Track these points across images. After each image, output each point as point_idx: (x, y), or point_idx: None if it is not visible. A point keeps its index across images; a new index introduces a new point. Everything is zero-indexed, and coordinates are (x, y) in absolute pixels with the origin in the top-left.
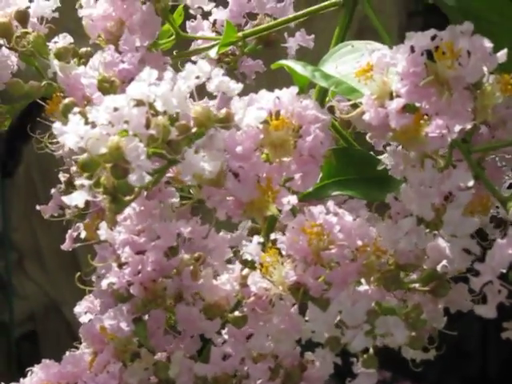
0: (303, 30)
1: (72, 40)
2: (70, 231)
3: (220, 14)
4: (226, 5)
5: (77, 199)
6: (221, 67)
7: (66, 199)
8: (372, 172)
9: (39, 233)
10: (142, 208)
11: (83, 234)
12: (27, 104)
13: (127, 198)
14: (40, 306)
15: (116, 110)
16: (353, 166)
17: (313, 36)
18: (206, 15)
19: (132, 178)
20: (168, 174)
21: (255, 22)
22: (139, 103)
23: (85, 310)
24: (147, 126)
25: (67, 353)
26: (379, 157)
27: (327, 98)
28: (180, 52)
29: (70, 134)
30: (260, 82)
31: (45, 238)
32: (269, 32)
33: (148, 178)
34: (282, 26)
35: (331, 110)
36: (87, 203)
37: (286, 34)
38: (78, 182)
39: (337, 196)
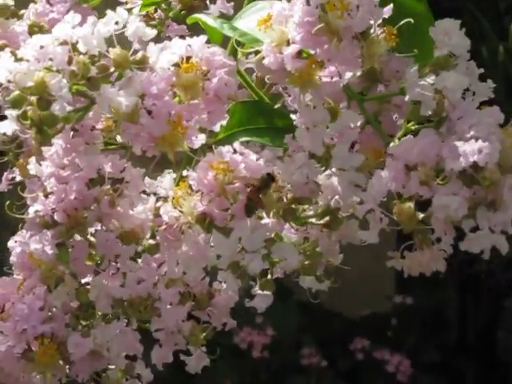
0: None
1: (12, 2)
2: (5, 173)
3: None
4: None
5: (6, 127)
6: None
7: None
8: (279, 123)
9: None
10: (68, 145)
11: (18, 177)
12: None
13: (52, 131)
14: None
15: (42, 47)
16: (262, 116)
17: (232, 3)
18: None
19: (55, 107)
20: (99, 126)
21: None
22: (63, 43)
23: (16, 243)
24: (69, 63)
25: None
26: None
27: (239, 56)
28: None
29: (0, 68)
30: None
31: None
32: None
33: (69, 109)
34: None
35: (248, 72)
36: (20, 144)
37: (208, 2)
38: (7, 112)
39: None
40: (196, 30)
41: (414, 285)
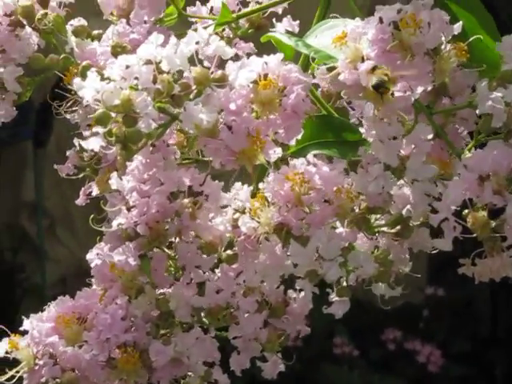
0: (289, 16)
1: (86, 23)
2: (83, 188)
3: (217, 1)
4: None
5: (93, 144)
6: None
7: (83, 144)
8: (348, 136)
9: (70, 200)
10: (148, 160)
11: (95, 192)
12: (52, 77)
13: (135, 147)
14: (71, 270)
15: (128, 67)
16: (331, 130)
17: (298, 22)
18: (204, 2)
19: (141, 125)
20: (171, 141)
21: (247, 8)
22: (147, 62)
23: (95, 255)
24: (154, 81)
25: None
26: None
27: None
28: (181, 31)
29: (87, 88)
30: None
31: (75, 206)
32: (259, 15)
33: (154, 126)
34: (269, 8)
35: (314, 86)
36: (99, 160)
37: (274, 20)
38: (93, 129)
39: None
40: (262, 48)
41: (445, 277)
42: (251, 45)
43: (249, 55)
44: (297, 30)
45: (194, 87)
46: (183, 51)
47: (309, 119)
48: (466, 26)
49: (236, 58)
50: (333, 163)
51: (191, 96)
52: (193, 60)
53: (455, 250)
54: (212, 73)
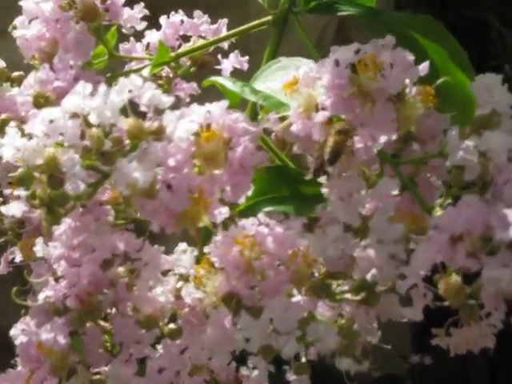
0: (237, 51)
1: (5, 65)
2: (5, 254)
3: (153, 36)
4: (159, 28)
5: (14, 209)
6: None
7: (3, 209)
8: (305, 190)
9: None
10: (78, 223)
11: (18, 258)
12: None
13: (62, 210)
14: None
15: (51, 122)
16: (286, 184)
17: (247, 57)
18: (139, 38)
19: (68, 187)
20: (103, 198)
21: (189, 44)
22: (74, 116)
23: (20, 331)
24: (82, 137)
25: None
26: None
27: (259, 116)
28: (113, 73)
29: (7, 146)
30: None
31: None
32: (201, 53)
33: (83, 187)
34: (214, 45)
35: (266, 131)
36: (22, 222)
37: (220, 56)
38: (15, 192)
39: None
40: (206, 88)
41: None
42: (194, 85)
43: (191, 98)
44: (246, 66)
45: (127, 142)
46: (114, 102)
47: (260, 171)
48: (436, 62)
49: (177, 100)
50: (288, 222)
51: (124, 152)
52: (125, 110)
53: (443, 309)
54: (148, 125)
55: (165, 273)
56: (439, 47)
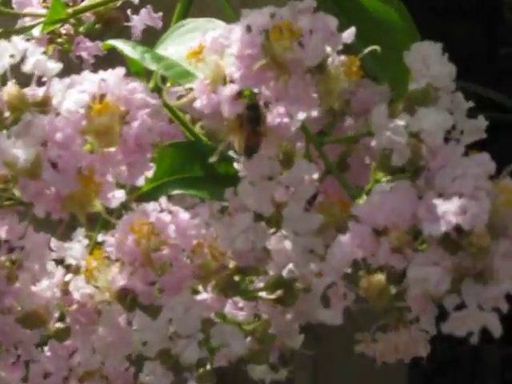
0: (150, 6)
1: None
2: None
3: None
4: None
5: None
6: (53, 49)
7: None
8: (221, 169)
9: None
10: None
11: None
12: None
13: None
14: None
15: None
16: (199, 162)
17: (161, 14)
18: None
19: None
20: None
21: None
22: None
23: None
24: None
25: None
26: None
27: (167, 85)
28: (3, 30)
29: None
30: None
31: None
32: (107, 8)
33: None
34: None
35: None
36: None
37: (129, 12)
38: None
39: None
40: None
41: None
42: (99, 44)
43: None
44: (160, 25)
45: (7, 114)
46: None
47: (167, 147)
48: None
49: (79, 60)
50: (196, 208)
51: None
52: (5, 79)
53: (447, 353)
54: (32, 95)
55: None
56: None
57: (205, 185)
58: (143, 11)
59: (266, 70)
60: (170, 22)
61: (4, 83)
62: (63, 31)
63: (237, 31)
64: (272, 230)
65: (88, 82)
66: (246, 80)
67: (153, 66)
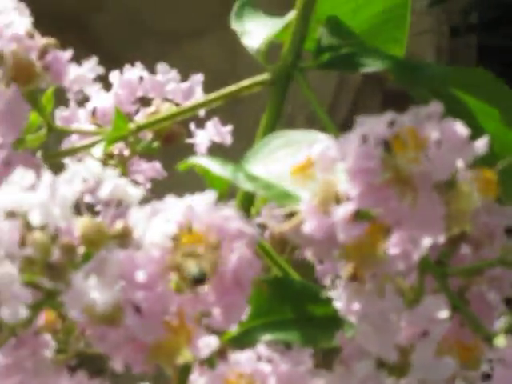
0: (216, 118)
1: None
2: None
3: (102, 100)
4: (107, 87)
5: None
6: None
7: None
8: (316, 310)
9: None
10: (11, 360)
11: None
12: None
13: None
14: None
15: None
16: (290, 302)
17: (229, 127)
18: (80, 102)
19: (4, 313)
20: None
21: (150, 109)
22: (10, 214)
23: None
24: (22, 244)
25: None
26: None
27: (253, 210)
28: (52, 152)
29: None
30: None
31: None
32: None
33: (25, 314)
34: (188, 113)
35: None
36: None
37: (193, 126)
38: None
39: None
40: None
41: None
42: (157, 165)
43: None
44: (229, 140)
45: (80, 250)
46: (65, 195)
47: (257, 286)
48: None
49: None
50: (293, 355)
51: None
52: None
53: None
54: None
55: None
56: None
57: (297, 328)
58: (210, 124)
59: (386, 186)
60: (241, 133)
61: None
62: (116, 152)
63: (350, 142)
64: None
65: (174, 210)
66: (363, 198)
67: (249, 187)
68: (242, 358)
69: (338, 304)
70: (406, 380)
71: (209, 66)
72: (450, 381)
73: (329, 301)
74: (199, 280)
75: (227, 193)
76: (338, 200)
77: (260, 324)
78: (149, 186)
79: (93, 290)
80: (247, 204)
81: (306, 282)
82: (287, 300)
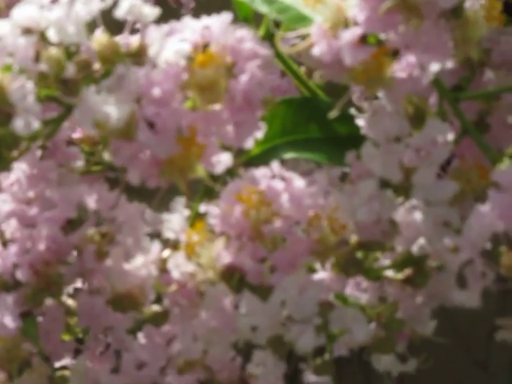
0: None
1: None
2: None
3: None
4: None
5: None
6: None
7: None
8: (341, 130)
9: None
10: (35, 171)
11: None
12: None
13: (13, 153)
14: None
15: None
16: (315, 121)
17: None
18: None
19: (17, 124)
20: (76, 135)
21: None
22: (27, 31)
23: None
24: (37, 59)
25: None
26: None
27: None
28: None
29: None
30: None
31: None
32: None
33: (37, 126)
34: None
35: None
36: None
37: None
38: None
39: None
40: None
41: None
42: None
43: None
44: None
45: (96, 66)
46: (80, 14)
47: (279, 105)
48: None
49: (179, 7)
50: (312, 175)
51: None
52: (94, 26)
53: None
54: (125, 44)
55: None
56: None
57: (322, 147)
58: None
59: (394, 12)
60: None
61: (93, 31)
62: None
63: None
64: (400, 200)
65: (190, 29)
66: (371, 23)
67: (264, 9)
68: (258, 175)
69: (361, 122)
70: (412, 201)
71: None
72: (457, 203)
73: (353, 120)
74: None
75: (253, 18)
76: (347, 25)
77: (284, 142)
78: (192, 4)
79: (106, 105)
80: (271, 34)
81: (332, 101)
82: (313, 119)
